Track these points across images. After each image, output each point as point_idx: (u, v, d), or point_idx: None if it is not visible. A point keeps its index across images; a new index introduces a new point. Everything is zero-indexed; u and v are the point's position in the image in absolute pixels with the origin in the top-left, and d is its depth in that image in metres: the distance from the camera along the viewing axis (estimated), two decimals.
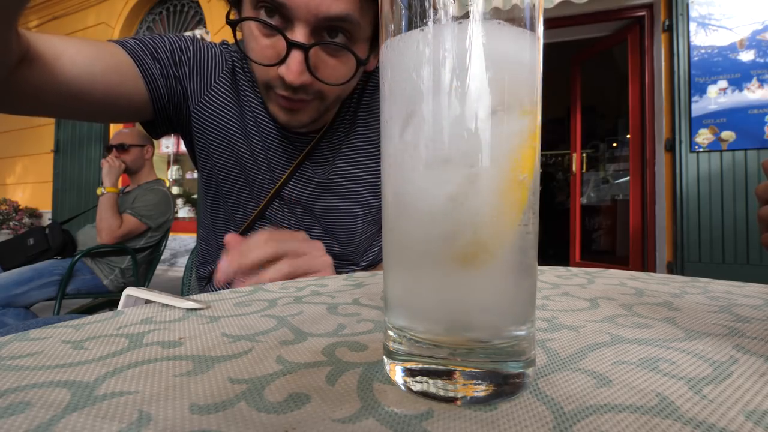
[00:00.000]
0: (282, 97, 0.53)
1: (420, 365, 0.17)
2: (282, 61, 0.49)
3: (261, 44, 0.51)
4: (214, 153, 0.63)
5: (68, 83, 0.48)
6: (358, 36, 0.52)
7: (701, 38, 2.74)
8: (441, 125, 0.16)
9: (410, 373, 0.17)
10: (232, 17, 0.58)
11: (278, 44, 0.50)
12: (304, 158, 0.63)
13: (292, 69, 0.49)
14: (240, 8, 0.53)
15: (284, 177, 0.63)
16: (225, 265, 0.47)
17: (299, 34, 0.49)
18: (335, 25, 0.49)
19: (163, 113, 0.60)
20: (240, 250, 0.47)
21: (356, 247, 0.69)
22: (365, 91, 0.68)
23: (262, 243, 0.48)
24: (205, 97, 0.61)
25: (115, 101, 0.54)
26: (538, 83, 0.17)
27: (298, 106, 0.55)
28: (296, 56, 0.49)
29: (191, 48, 0.60)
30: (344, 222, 0.67)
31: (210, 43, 0.64)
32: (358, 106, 0.67)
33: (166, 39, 0.59)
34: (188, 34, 3.61)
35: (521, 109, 0.16)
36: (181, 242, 4.23)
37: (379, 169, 0.60)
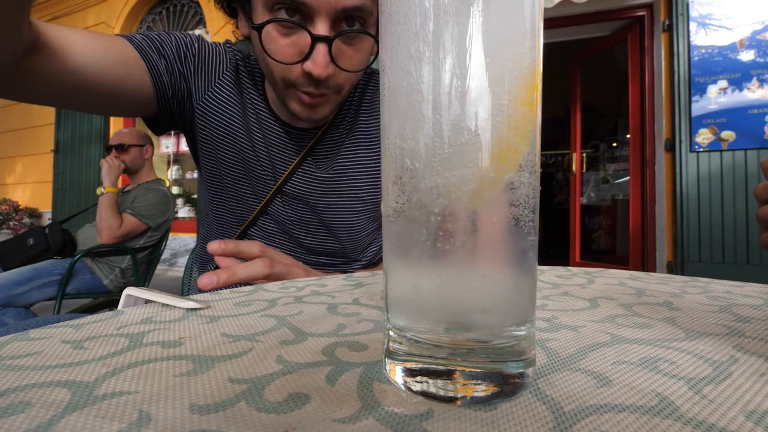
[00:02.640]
0: (305, 93, 0.55)
1: (420, 365, 0.17)
2: (306, 56, 0.51)
3: (280, 44, 0.52)
4: (217, 149, 0.64)
5: (76, 73, 0.49)
6: (370, 22, 0.54)
7: (701, 38, 2.74)
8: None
9: (410, 373, 0.17)
10: (239, 27, 0.59)
11: (299, 42, 0.52)
12: (306, 154, 0.64)
13: (319, 62, 0.51)
14: (250, 15, 0.54)
15: (286, 173, 0.64)
16: (210, 280, 0.46)
17: (321, 28, 0.50)
18: (352, 14, 0.51)
19: (166, 109, 0.61)
20: (232, 268, 0.48)
21: (356, 244, 0.70)
22: (367, 90, 0.68)
23: (254, 265, 0.49)
24: (209, 94, 0.62)
25: (121, 94, 0.54)
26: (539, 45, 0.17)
27: (320, 101, 0.56)
28: (321, 49, 0.51)
29: (196, 46, 0.61)
30: (344, 218, 0.67)
31: (214, 42, 0.65)
32: (360, 105, 0.68)
33: (172, 36, 0.60)
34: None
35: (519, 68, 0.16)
36: (181, 242, 4.23)
37: (380, 168, 0.62)
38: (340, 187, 0.66)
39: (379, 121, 0.66)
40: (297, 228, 0.66)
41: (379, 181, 0.65)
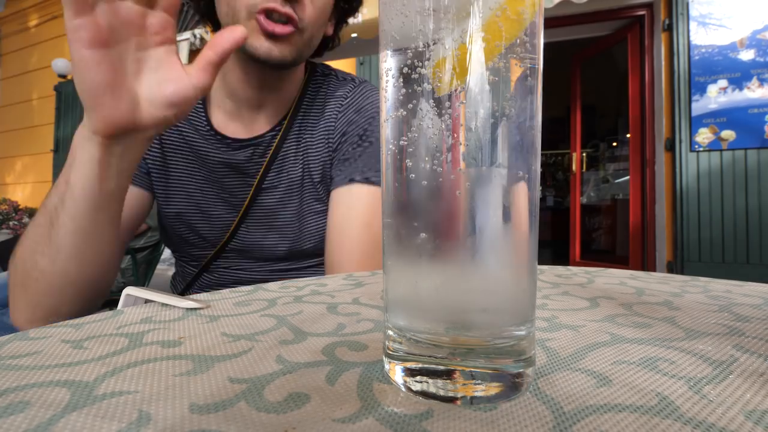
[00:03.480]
0: (267, 17, 0.53)
1: (420, 365, 0.17)
2: None
3: None
4: (174, 202, 0.67)
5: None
6: None
7: (701, 37, 2.74)
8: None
9: (410, 372, 0.17)
10: None
11: None
12: (257, 186, 0.65)
13: None
14: None
15: (242, 209, 0.65)
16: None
17: None
18: None
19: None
20: None
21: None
22: (318, 92, 0.68)
23: None
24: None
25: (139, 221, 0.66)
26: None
27: (283, 31, 0.55)
28: None
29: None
30: (312, 221, 0.67)
31: None
32: (311, 105, 0.67)
33: None
34: (187, 34, 3.59)
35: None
36: None
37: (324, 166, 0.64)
38: (288, 193, 0.66)
39: (326, 124, 0.66)
40: (264, 251, 0.67)
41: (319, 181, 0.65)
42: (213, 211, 0.66)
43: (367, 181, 0.61)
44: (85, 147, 0.39)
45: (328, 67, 0.72)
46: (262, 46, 0.55)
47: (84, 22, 0.34)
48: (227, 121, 0.65)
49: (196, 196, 0.66)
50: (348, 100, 0.67)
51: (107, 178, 0.40)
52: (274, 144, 0.64)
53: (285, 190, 0.66)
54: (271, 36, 0.55)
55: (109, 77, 0.37)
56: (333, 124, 0.66)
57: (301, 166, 0.66)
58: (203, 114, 0.65)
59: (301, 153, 0.66)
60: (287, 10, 0.53)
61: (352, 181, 0.61)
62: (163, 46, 0.40)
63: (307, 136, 0.66)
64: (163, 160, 0.65)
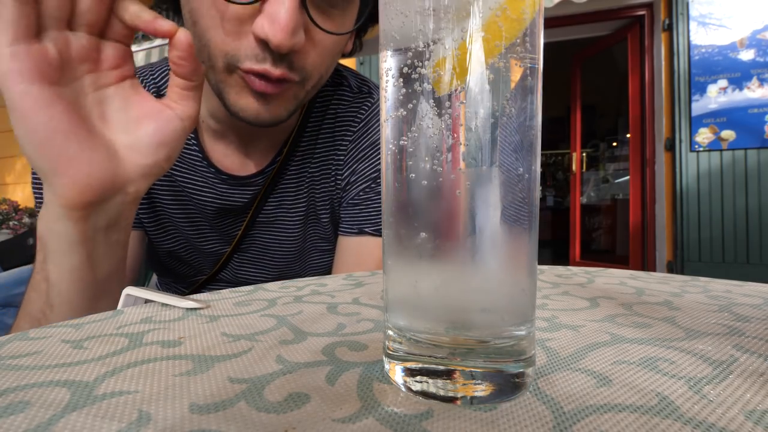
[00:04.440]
0: (257, 75, 0.40)
1: (420, 365, 0.17)
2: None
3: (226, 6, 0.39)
4: (166, 234, 0.61)
5: None
6: None
7: (701, 37, 2.74)
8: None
9: (410, 372, 0.17)
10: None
11: None
12: (250, 222, 0.58)
13: (280, 19, 0.35)
14: None
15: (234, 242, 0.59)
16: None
17: None
18: None
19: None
20: None
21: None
22: (330, 105, 0.58)
23: None
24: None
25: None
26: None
27: (276, 90, 0.42)
28: (284, 1, 0.36)
29: None
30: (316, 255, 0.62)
31: None
32: (320, 128, 0.58)
33: None
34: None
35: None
36: None
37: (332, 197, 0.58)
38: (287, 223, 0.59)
39: (334, 157, 0.57)
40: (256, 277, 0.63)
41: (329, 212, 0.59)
42: (205, 245, 0.59)
43: (379, 233, 0.53)
44: (56, 231, 0.31)
45: (341, 71, 0.59)
46: (249, 107, 0.43)
47: (26, 48, 0.27)
48: (215, 142, 0.55)
49: (188, 232, 0.58)
50: (361, 126, 0.56)
51: (98, 262, 0.33)
52: (267, 182, 0.55)
53: (284, 227, 0.58)
54: (261, 94, 0.42)
55: (70, 122, 0.29)
56: (342, 157, 0.56)
57: (305, 203, 0.57)
58: (192, 133, 0.55)
59: (304, 188, 0.57)
60: (281, 72, 0.40)
61: (362, 232, 0.54)
62: (125, 81, 0.33)
63: (313, 170, 0.57)
64: (148, 196, 0.56)
